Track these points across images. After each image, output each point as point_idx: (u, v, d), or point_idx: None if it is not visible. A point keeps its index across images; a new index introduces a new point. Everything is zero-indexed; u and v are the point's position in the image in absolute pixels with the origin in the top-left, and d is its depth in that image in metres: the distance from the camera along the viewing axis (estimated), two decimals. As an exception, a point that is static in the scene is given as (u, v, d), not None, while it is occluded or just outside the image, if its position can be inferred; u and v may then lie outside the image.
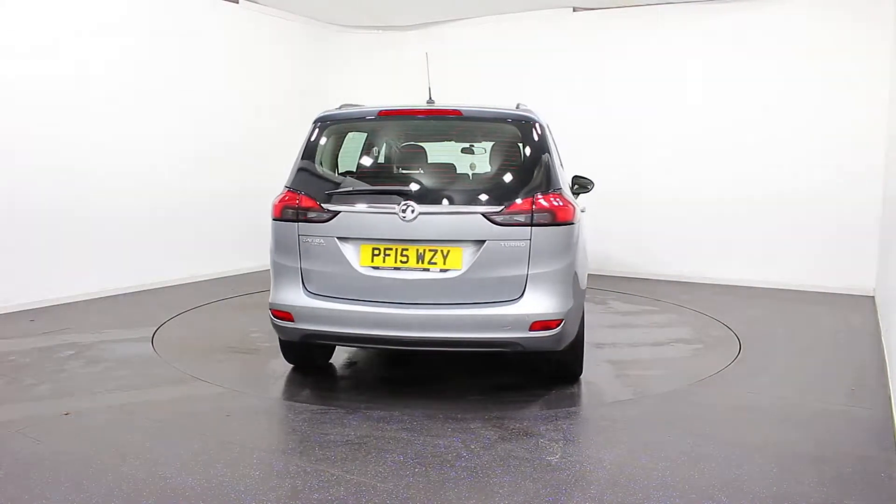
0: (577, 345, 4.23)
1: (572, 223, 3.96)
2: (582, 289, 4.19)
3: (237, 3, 8.25)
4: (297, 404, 3.94)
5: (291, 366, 4.73)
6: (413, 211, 3.80)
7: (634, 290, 7.71)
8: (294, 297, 3.99)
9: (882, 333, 5.67)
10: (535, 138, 4.08)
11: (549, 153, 4.07)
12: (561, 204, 3.93)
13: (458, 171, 4.34)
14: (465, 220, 3.82)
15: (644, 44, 8.38)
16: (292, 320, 3.99)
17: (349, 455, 3.24)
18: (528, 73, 8.95)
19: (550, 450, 3.34)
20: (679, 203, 8.29)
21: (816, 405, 4.06)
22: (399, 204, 3.82)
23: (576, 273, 4.01)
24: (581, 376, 4.47)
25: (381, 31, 9.81)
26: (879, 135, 7.32)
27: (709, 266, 8.24)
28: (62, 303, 6.49)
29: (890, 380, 4.38)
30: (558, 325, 3.82)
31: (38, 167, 6.32)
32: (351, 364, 4.86)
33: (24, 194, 6.23)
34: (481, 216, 3.80)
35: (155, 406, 3.97)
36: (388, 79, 9.62)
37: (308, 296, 3.97)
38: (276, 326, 4.11)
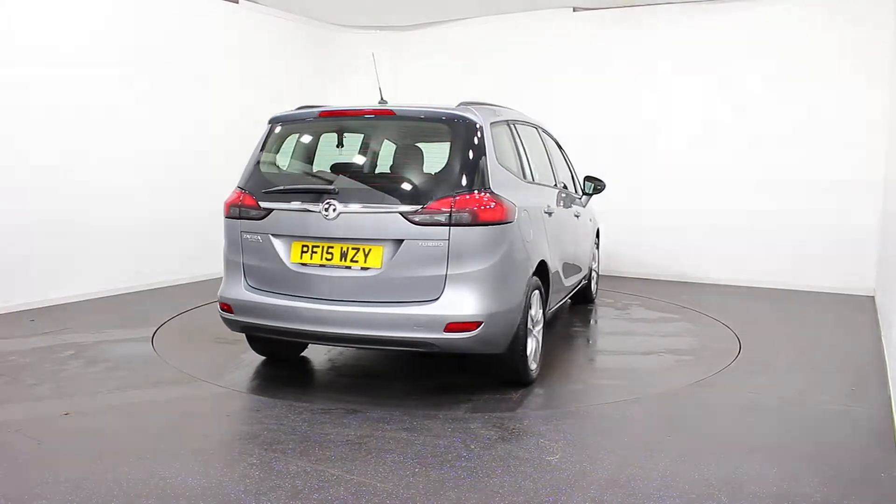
0: (520, 348, 4.10)
1: (500, 223, 3.89)
2: (520, 289, 4.07)
3: (237, 2, 8.25)
4: (297, 404, 3.94)
5: (291, 366, 4.77)
6: (335, 210, 3.90)
7: (633, 289, 7.71)
8: (236, 290, 4.19)
9: (882, 333, 5.67)
10: (466, 137, 4.02)
11: (481, 152, 3.99)
12: (485, 204, 3.85)
13: (382, 171, 4.31)
14: (383, 219, 3.85)
15: (644, 44, 8.38)
16: (233, 312, 4.20)
17: (349, 455, 3.24)
18: (529, 73, 8.95)
19: (550, 450, 3.34)
20: (679, 203, 8.29)
21: (816, 405, 4.07)
22: (323, 202, 3.91)
23: (505, 274, 3.93)
24: (534, 380, 4.35)
25: (381, 31, 9.81)
26: (880, 135, 7.33)
27: (708, 266, 8.24)
28: (62, 303, 6.49)
29: (890, 380, 4.38)
30: (477, 327, 3.77)
31: (39, 167, 6.32)
32: (351, 364, 4.86)
33: (25, 194, 6.22)
34: (399, 215, 3.81)
35: (155, 406, 3.97)
36: (388, 79, 9.58)
37: (247, 290, 4.16)
38: (221, 318, 4.32)
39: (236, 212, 4.23)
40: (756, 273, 7.97)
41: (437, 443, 3.41)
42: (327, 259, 3.95)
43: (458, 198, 3.81)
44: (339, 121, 4.44)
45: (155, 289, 7.30)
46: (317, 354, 5.04)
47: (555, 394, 4.22)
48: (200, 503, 2.77)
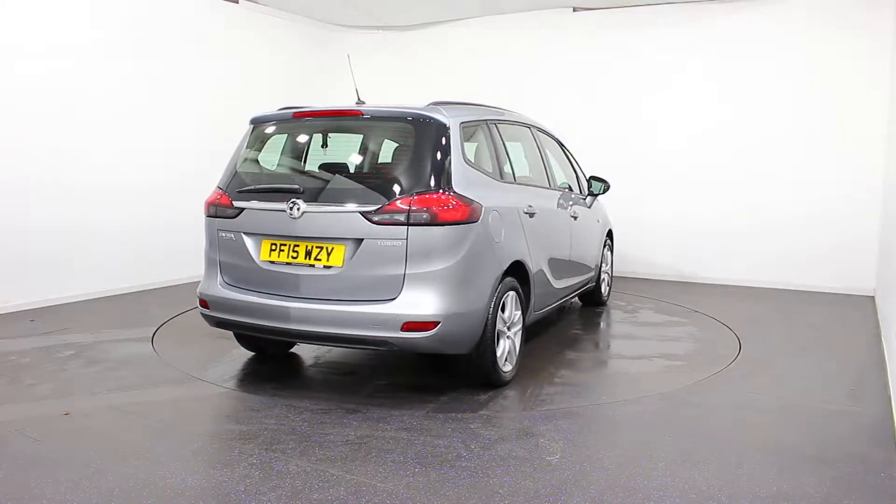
0: (487, 350, 4.06)
1: (462, 223, 3.88)
2: (486, 290, 4.02)
3: (237, 3, 8.25)
4: (297, 404, 3.94)
5: (291, 366, 4.78)
6: (299, 209, 3.96)
7: (633, 289, 7.71)
8: (212, 287, 4.33)
9: (882, 333, 5.67)
10: (430, 137, 4.01)
11: (446, 152, 3.99)
12: (445, 204, 3.85)
13: (347, 171, 4.34)
14: (344, 218, 3.89)
15: (644, 44, 8.38)
16: (208, 308, 4.33)
17: (349, 455, 3.24)
18: (528, 73, 8.95)
19: (550, 450, 3.34)
20: (678, 203, 8.30)
21: (816, 405, 4.06)
22: (288, 202, 3.98)
23: (468, 275, 3.91)
24: (507, 382, 4.31)
25: (381, 31, 9.82)
26: (880, 136, 7.33)
27: (708, 266, 8.24)
28: (62, 303, 6.49)
29: (890, 380, 4.38)
30: (434, 327, 3.77)
31: (39, 167, 6.32)
32: (351, 365, 4.86)
33: (25, 194, 6.22)
34: (359, 215, 3.84)
35: (155, 406, 3.97)
36: (388, 79, 9.62)
37: (222, 286, 4.29)
38: (200, 313, 4.44)
39: (213, 210, 4.36)
40: (756, 273, 7.97)
41: (437, 443, 3.41)
42: (293, 257, 4.03)
43: (416, 197, 3.82)
44: (311, 121, 4.48)
45: (155, 289, 7.30)
46: (309, 352, 5.04)
47: (555, 395, 4.22)
48: (200, 503, 2.78)
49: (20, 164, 6.19)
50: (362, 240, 3.85)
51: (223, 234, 4.30)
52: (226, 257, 4.30)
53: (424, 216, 3.78)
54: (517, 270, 4.45)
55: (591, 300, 6.80)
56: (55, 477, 2.99)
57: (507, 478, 3.02)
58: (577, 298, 6.75)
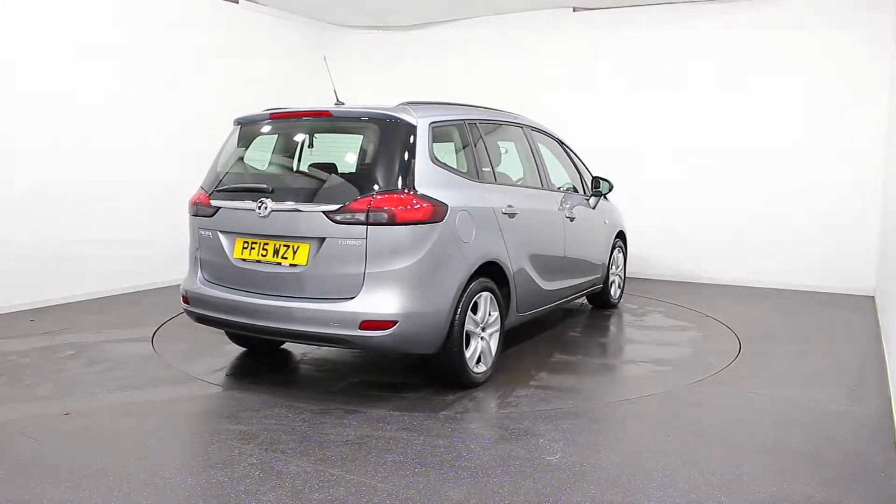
0: (455, 350, 4.05)
1: (424, 223, 3.88)
2: (451, 290, 3.99)
3: (237, 2, 8.26)
4: (297, 404, 3.94)
5: (291, 366, 4.79)
6: (266, 208, 4.04)
7: (632, 289, 7.71)
8: (193, 283, 4.45)
9: (882, 333, 5.67)
10: (395, 137, 4.02)
11: (411, 152, 3.99)
12: (405, 203, 3.85)
13: (313, 171, 4.37)
14: (308, 217, 3.94)
15: (644, 44, 8.37)
16: (189, 304, 4.44)
17: (349, 455, 3.24)
18: (528, 73, 8.95)
19: (550, 450, 3.34)
20: (678, 203, 8.29)
21: (816, 405, 4.07)
22: (257, 201, 4.06)
23: (429, 275, 3.91)
24: (481, 384, 4.28)
25: (381, 31, 9.82)
26: (879, 136, 7.33)
27: (708, 266, 8.24)
28: (62, 303, 6.50)
29: (890, 380, 4.38)
30: (392, 326, 3.78)
31: (38, 167, 6.32)
32: (351, 365, 4.86)
33: (24, 194, 6.22)
34: (322, 214, 3.89)
35: (155, 406, 3.97)
36: (389, 79, 9.62)
37: (202, 283, 4.41)
38: (183, 308, 4.55)
39: (195, 209, 4.48)
40: (756, 273, 7.97)
41: (437, 443, 3.41)
42: (262, 255, 4.11)
43: (376, 197, 3.84)
44: (284, 122, 4.54)
45: (155, 289, 7.30)
46: (307, 351, 5.04)
47: (554, 394, 4.21)
48: (200, 503, 2.78)
49: (20, 164, 6.20)
50: (325, 239, 3.90)
51: (203, 232, 4.41)
52: (205, 255, 4.41)
53: (384, 216, 3.81)
54: (494, 271, 4.43)
55: (600, 302, 6.70)
56: (55, 477, 2.99)
57: (507, 478, 3.02)
58: (585, 300, 6.72)
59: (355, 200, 3.84)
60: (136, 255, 7.18)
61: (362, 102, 4.61)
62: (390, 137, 4.03)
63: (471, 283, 4.15)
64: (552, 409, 3.94)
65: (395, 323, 3.78)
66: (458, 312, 4.04)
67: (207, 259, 4.39)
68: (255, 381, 4.47)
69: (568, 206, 5.63)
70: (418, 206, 3.88)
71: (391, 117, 4.08)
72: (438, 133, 4.32)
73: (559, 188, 5.75)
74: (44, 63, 6.33)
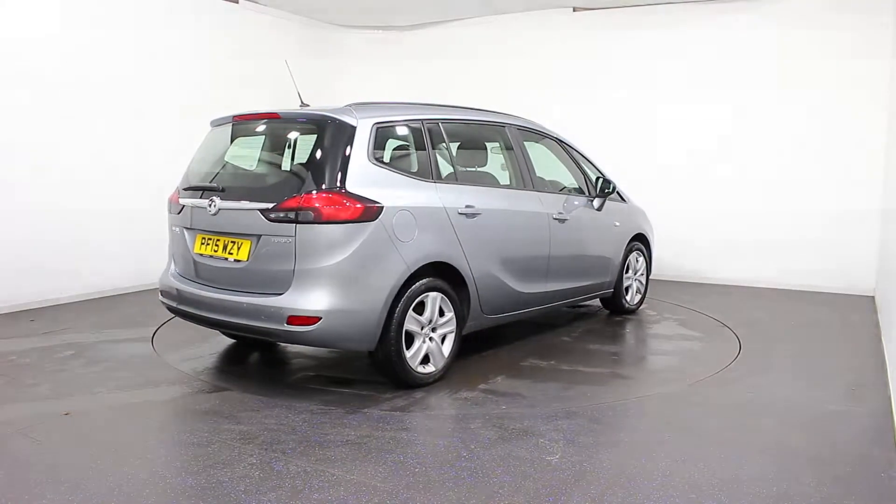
0: (392, 349, 4.07)
1: (354, 222, 3.92)
2: (384, 289, 4.00)
3: (237, 2, 8.25)
4: (297, 404, 3.94)
5: (291, 366, 4.80)
6: (215, 206, 4.24)
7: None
8: (166, 276, 4.73)
9: (882, 333, 5.67)
10: (331, 137, 4.10)
11: (346, 152, 4.04)
12: (333, 203, 3.90)
13: (256, 171, 4.57)
14: (247, 215, 4.10)
15: (645, 44, 8.38)
16: (162, 296, 4.73)
17: (349, 455, 3.24)
18: (528, 73, 8.95)
19: (550, 450, 3.34)
20: (678, 203, 8.29)
21: (816, 405, 4.07)
22: (209, 199, 4.28)
23: (359, 273, 3.93)
24: (428, 384, 4.28)
25: (381, 31, 9.82)
26: (879, 135, 7.33)
27: (707, 266, 8.24)
28: (62, 303, 6.50)
29: (890, 380, 4.38)
30: (316, 322, 3.85)
31: (38, 167, 6.32)
32: (352, 366, 4.86)
33: (24, 194, 6.23)
34: (258, 212, 4.03)
35: (155, 406, 3.97)
36: (389, 79, 9.63)
37: (173, 276, 4.65)
38: (160, 300, 4.80)
39: (169, 207, 4.73)
40: (756, 273, 7.97)
41: (437, 443, 3.41)
42: (214, 251, 4.31)
43: (305, 196, 3.93)
44: (245, 125, 4.70)
45: (155, 289, 7.26)
46: (304, 350, 5.04)
47: (554, 395, 4.21)
48: (200, 503, 2.78)
49: (20, 164, 6.19)
50: (261, 236, 4.04)
51: (173, 228, 4.68)
52: (175, 249, 4.69)
53: (311, 214, 3.89)
54: (444, 272, 4.40)
55: (613, 307, 6.50)
56: (55, 477, 2.99)
57: (508, 478, 3.02)
58: (600, 304, 6.65)
59: (287, 199, 3.96)
60: (136, 255, 7.18)
61: (324, 104, 4.64)
62: (328, 138, 4.13)
63: (412, 282, 4.16)
64: (548, 411, 3.94)
65: (318, 319, 3.86)
66: (399, 312, 4.08)
67: (176, 253, 4.65)
68: (255, 382, 4.47)
69: (559, 206, 5.44)
70: (348, 205, 3.94)
71: (330, 118, 4.17)
72: (384, 134, 4.37)
73: (560, 189, 5.70)
74: (44, 63, 6.32)
